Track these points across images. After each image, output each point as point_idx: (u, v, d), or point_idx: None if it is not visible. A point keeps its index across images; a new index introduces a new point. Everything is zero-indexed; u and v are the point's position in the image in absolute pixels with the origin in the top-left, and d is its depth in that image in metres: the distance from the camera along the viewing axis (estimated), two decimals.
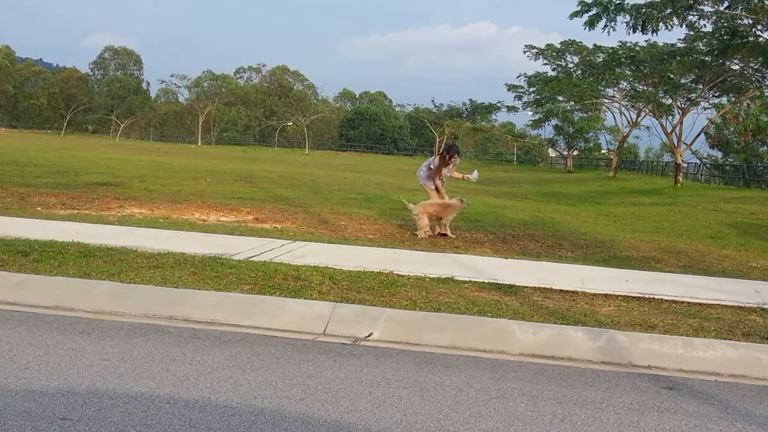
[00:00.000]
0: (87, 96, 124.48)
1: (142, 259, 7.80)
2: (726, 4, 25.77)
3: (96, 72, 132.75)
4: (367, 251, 9.54)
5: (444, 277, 7.82)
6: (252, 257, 8.33)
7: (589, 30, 25.92)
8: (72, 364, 4.84)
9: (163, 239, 9.36)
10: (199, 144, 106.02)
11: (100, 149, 51.99)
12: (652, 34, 25.46)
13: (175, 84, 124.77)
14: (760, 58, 30.57)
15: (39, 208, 12.37)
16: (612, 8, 25.18)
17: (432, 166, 12.57)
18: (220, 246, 9.00)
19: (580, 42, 50.38)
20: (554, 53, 52.50)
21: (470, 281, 7.73)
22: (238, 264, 7.78)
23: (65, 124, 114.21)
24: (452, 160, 12.47)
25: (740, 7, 25.43)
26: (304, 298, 6.62)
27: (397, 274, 7.82)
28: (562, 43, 51.64)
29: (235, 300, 6.54)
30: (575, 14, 26.41)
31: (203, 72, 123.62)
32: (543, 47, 52.97)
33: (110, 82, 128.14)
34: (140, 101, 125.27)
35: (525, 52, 53.00)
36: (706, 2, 25.86)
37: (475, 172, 13.06)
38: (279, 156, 73.58)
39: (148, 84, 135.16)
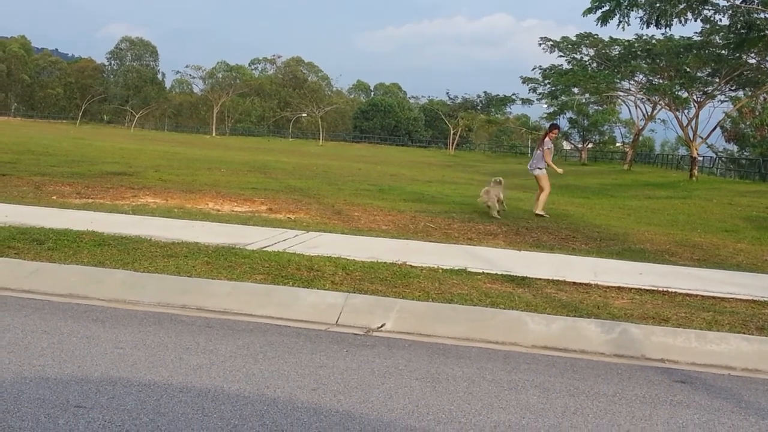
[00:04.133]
0: (102, 86, 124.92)
1: (155, 248, 7.83)
2: None
3: (113, 62, 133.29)
4: (380, 242, 9.55)
5: (457, 268, 7.81)
6: (265, 247, 8.35)
7: (602, 25, 25.76)
8: (86, 352, 4.86)
9: (177, 229, 9.39)
10: (214, 135, 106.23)
11: (115, 139, 52.19)
12: (666, 28, 25.29)
13: (190, 75, 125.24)
14: None
15: (54, 197, 12.43)
16: (625, 4, 25.00)
17: (546, 148, 15.11)
18: (233, 236, 9.02)
19: (596, 35, 50.03)
20: (570, 46, 52.19)
21: (483, 273, 7.72)
22: (252, 254, 7.79)
23: (80, 114, 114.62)
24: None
25: (756, 1, 25.22)
26: (317, 289, 6.63)
27: (410, 265, 7.82)
28: (577, 35, 51.27)
29: (248, 290, 6.55)
30: (588, 11, 26.23)
31: (218, 63, 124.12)
32: (558, 39, 52.69)
33: (126, 72, 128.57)
34: (155, 92, 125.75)
35: (540, 44, 52.70)
36: None
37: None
38: (293, 147, 73.64)
39: (164, 75, 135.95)
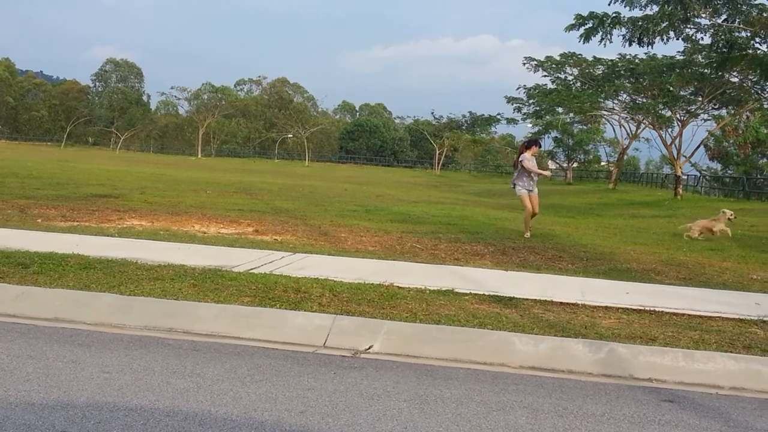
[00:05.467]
0: (87, 108, 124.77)
1: (142, 271, 7.80)
2: (723, 17, 25.79)
3: (97, 84, 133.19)
4: (367, 263, 9.54)
5: (444, 289, 7.81)
6: (252, 269, 8.33)
7: (584, 43, 25.93)
8: (72, 377, 4.83)
9: (163, 251, 9.36)
10: (199, 156, 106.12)
11: (100, 161, 52.05)
12: (648, 47, 25.50)
13: (175, 96, 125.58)
14: (758, 71, 30.56)
15: (39, 220, 12.37)
16: (608, 21, 25.19)
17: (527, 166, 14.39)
18: (220, 258, 9.00)
19: (580, 54, 50.34)
20: (554, 65, 52.49)
21: (470, 293, 7.72)
22: (238, 276, 7.77)
23: (65, 136, 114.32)
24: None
25: (738, 20, 25.45)
26: (305, 311, 6.62)
27: (398, 287, 7.81)
28: (561, 55, 51.56)
29: (235, 312, 6.53)
30: (571, 27, 26.40)
31: (203, 84, 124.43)
32: (542, 59, 52.98)
33: (111, 94, 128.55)
34: (141, 113, 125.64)
35: (524, 64, 52.94)
36: (702, 15, 25.86)
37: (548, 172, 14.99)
38: (279, 168, 73.61)
39: (149, 96, 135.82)
